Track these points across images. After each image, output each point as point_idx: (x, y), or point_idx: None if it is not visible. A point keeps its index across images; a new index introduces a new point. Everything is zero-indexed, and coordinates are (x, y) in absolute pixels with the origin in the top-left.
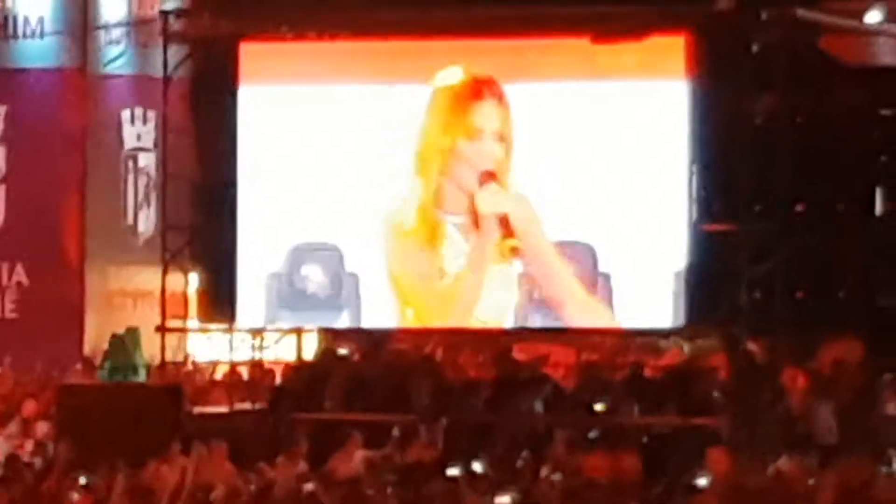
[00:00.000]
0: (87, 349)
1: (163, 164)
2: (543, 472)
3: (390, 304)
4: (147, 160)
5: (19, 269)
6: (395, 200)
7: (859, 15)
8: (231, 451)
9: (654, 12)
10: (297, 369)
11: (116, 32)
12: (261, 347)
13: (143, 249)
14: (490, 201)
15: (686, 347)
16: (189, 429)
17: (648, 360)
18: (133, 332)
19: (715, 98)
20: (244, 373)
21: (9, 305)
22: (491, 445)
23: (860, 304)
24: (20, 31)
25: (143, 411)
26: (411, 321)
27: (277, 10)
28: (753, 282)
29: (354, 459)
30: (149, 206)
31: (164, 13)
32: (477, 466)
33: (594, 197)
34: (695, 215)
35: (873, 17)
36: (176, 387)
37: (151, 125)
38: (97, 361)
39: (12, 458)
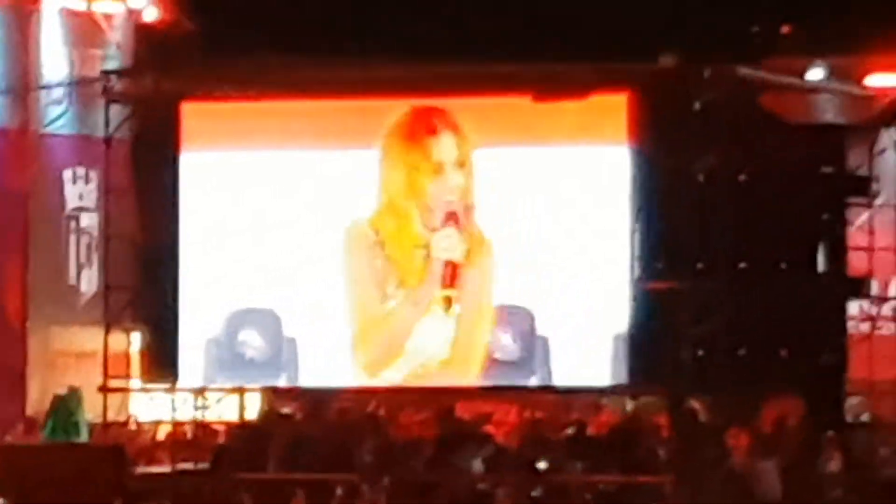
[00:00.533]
0: (29, 409)
1: (105, 224)
2: None
3: (331, 363)
4: (89, 220)
5: None
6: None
7: (801, 72)
8: None
9: (596, 70)
10: (240, 429)
11: (58, 92)
12: (203, 407)
13: (85, 309)
14: (443, 245)
15: (629, 405)
16: (132, 489)
17: (591, 418)
18: (75, 392)
19: (657, 156)
20: (187, 432)
21: None
22: None
23: (802, 362)
24: None
25: (85, 471)
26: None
27: (220, 70)
28: (696, 340)
29: None
30: (91, 266)
31: (106, 73)
32: None
33: (535, 257)
34: (637, 273)
35: (815, 74)
36: (118, 447)
37: (93, 185)
38: (40, 422)
39: None
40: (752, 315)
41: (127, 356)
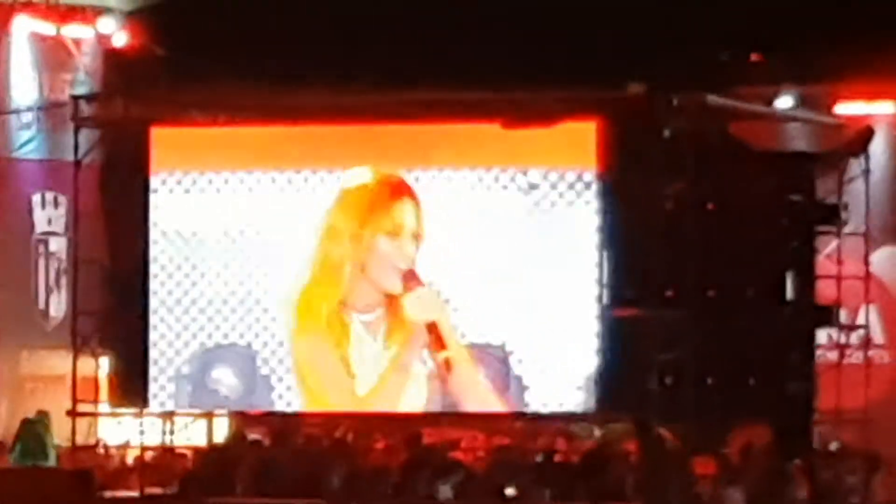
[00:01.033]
0: None
1: (74, 248)
2: None
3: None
4: (58, 245)
5: None
6: (299, 295)
7: (770, 100)
8: None
9: (565, 98)
10: (208, 454)
11: (27, 116)
12: (171, 432)
13: (53, 334)
14: (419, 306)
15: (597, 432)
16: None
17: (559, 444)
18: (44, 417)
19: (625, 183)
20: (155, 457)
21: None
22: None
23: (770, 391)
24: None
25: (53, 496)
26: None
27: (189, 95)
28: (664, 367)
29: None
30: (60, 290)
31: (75, 98)
32: None
33: (502, 284)
34: (605, 300)
35: (784, 102)
36: (87, 471)
37: (63, 209)
38: (8, 445)
39: None
40: (720, 343)
41: (95, 380)
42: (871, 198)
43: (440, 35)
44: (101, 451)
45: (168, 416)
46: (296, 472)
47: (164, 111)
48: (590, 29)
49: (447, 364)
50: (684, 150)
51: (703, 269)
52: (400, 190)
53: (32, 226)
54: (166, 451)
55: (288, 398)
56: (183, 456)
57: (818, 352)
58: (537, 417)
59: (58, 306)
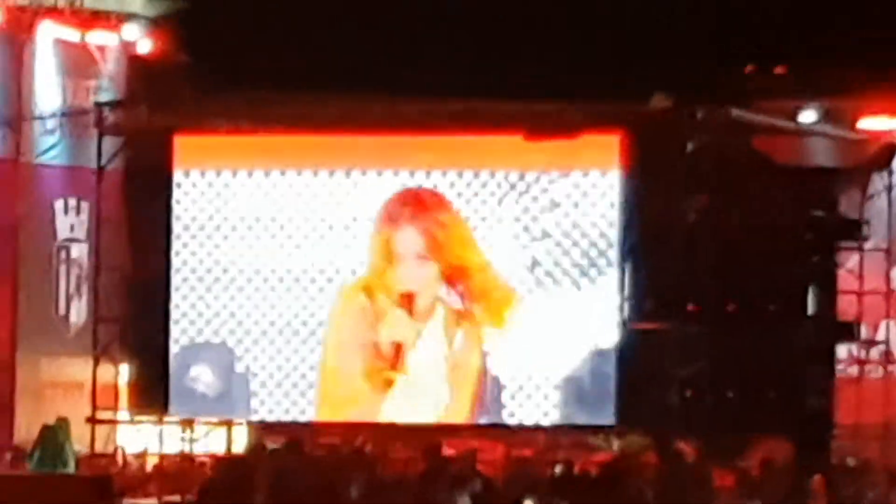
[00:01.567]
0: (16, 439)
1: (95, 255)
2: None
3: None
4: (79, 251)
5: None
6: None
7: (793, 114)
8: None
9: (589, 110)
10: (227, 462)
11: (51, 123)
12: (191, 440)
13: (74, 341)
14: (388, 327)
15: (616, 445)
16: None
17: (579, 457)
18: (63, 423)
19: (648, 196)
20: (174, 465)
21: None
22: None
23: (790, 405)
24: None
25: (72, 503)
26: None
27: (212, 103)
28: (684, 381)
29: None
30: (80, 297)
31: (99, 105)
32: None
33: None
34: (626, 314)
35: (808, 116)
36: (106, 478)
37: (84, 216)
38: (27, 452)
39: None
40: (740, 357)
41: (115, 388)
42: (894, 213)
43: (465, 47)
44: (120, 458)
45: (188, 423)
46: (315, 482)
47: (188, 119)
48: (614, 42)
49: (386, 383)
50: (707, 164)
51: (724, 284)
52: (399, 216)
53: (54, 232)
54: (185, 459)
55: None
56: (202, 464)
57: (838, 367)
58: (557, 429)
59: (78, 313)
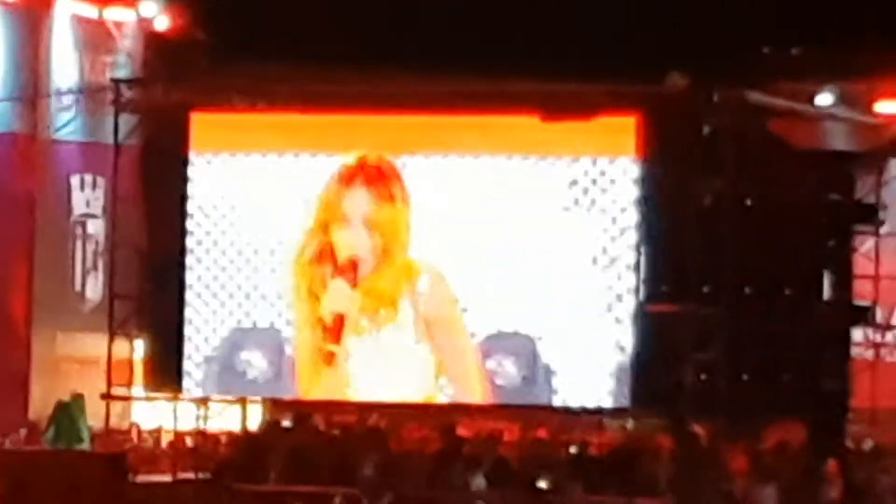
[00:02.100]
0: (31, 414)
1: (112, 231)
2: None
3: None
4: (95, 227)
5: None
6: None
7: (811, 97)
8: None
9: (606, 91)
10: (242, 440)
11: (68, 99)
12: (205, 417)
13: (89, 316)
14: (329, 298)
15: (631, 427)
16: (132, 497)
17: (593, 439)
18: (78, 399)
19: (664, 179)
20: (188, 442)
21: None
22: None
23: (805, 388)
24: None
25: (86, 479)
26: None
27: (229, 80)
28: (699, 363)
29: None
30: (96, 272)
31: (116, 81)
32: None
33: (539, 277)
34: (642, 296)
35: (824, 99)
36: (120, 455)
37: (101, 192)
38: (41, 427)
39: None
40: (755, 340)
41: (130, 364)
42: None
43: (481, 26)
44: (135, 435)
45: (202, 401)
46: (329, 461)
47: (204, 96)
48: (630, 22)
49: (328, 357)
50: (724, 146)
51: (740, 267)
52: (354, 176)
53: (70, 208)
54: (200, 437)
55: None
56: (216, 441)
57: (854, 350)
58: (571, 412)
59: (94, 289)
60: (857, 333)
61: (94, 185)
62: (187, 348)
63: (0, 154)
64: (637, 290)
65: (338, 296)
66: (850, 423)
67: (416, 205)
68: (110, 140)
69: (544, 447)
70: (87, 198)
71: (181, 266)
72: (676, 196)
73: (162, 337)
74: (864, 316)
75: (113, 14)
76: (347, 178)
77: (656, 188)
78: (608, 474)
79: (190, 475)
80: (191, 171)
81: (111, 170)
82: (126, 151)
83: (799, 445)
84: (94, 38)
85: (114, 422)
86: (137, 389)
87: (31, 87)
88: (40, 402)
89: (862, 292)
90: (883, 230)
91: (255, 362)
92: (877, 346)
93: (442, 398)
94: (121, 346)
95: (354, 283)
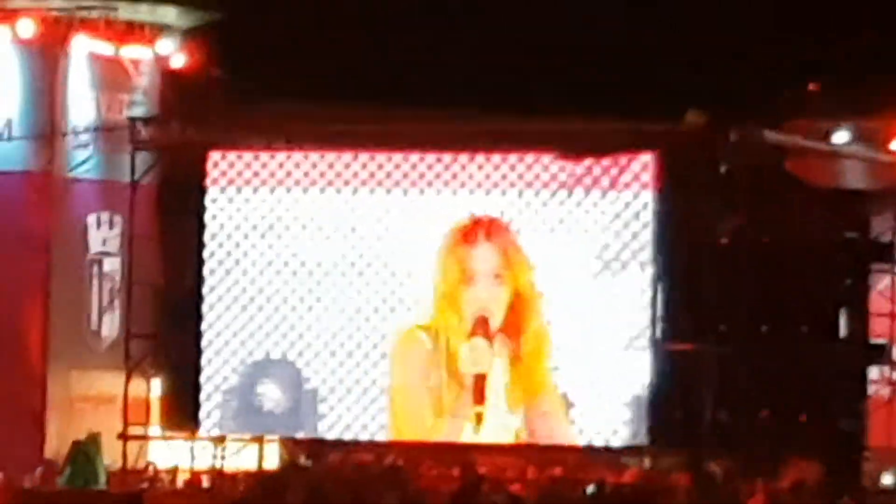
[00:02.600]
0: (48, 453)
1: (128, 269)
2: None
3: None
4: (112, 265)
5: None
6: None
7: (826, 134)
8: None
9: (624, 130)
10: (259, 479)
11: (84, 137)
12: (222, 456)
13: (106, 355)
14: (470, 358)
15: (648, 465)
16: None
17: (611, 476)
18: (95, 438)
19: (681, 216)
20: (205, 481)
21: None
22: None
23: (822, 427)
24: None
25: None
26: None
27: (246, 119)
28: (716, 401)
29: None
30: (113, 311)
31: (133, 120)
32: None
33: (558, 315)
34: (659, 334)
35: (840, 136)
36: (137, 494)
37: (117, 230)
38: (58, 466)
39: None
40: (772, 378)
41: (147, 402)
42: None
43: (499, 65)
44: (151, 474)
45: (219, 440)
46: (348, 499)
47: (221, 134)
48: (647, 61)
49: (478, 418)
50: (740, 185)
51: (757, 304)
52: (474, 233)
53: (87, 246)
54: (217, 476)
55: (330, 418)
56: (233, 480)
57: (870, 388)
58: (590, 450)
59: (110, 327)
60: (874, 371)
61: (111, 224)
62: (204, 387)
63: (16, 192)
64: (654, 328)
65: (479, 354)
66: (866, 461)
67: None
68: (127, 178)
69: (561, 486)
70: (103, 236)
71: (198, 304)
72: (693, 234)
73: (178, 375)
74: (880, 354)
75: (130, 52)
76: (469, 236)
77: (674, 226)
78: None
79: None
80: (209, 205)
81: (128, 208)
82: (142, 190)
83: (815, 484)
84: (111, 75)
85: (130, 461)
86: (154, 428)
87: (48, 125)
88: (56, 441)
89: (878, 330)
90: None
91: (270, 394)
92: (893, 384)
93: None
94: (137, 385)
95: (489, 340)
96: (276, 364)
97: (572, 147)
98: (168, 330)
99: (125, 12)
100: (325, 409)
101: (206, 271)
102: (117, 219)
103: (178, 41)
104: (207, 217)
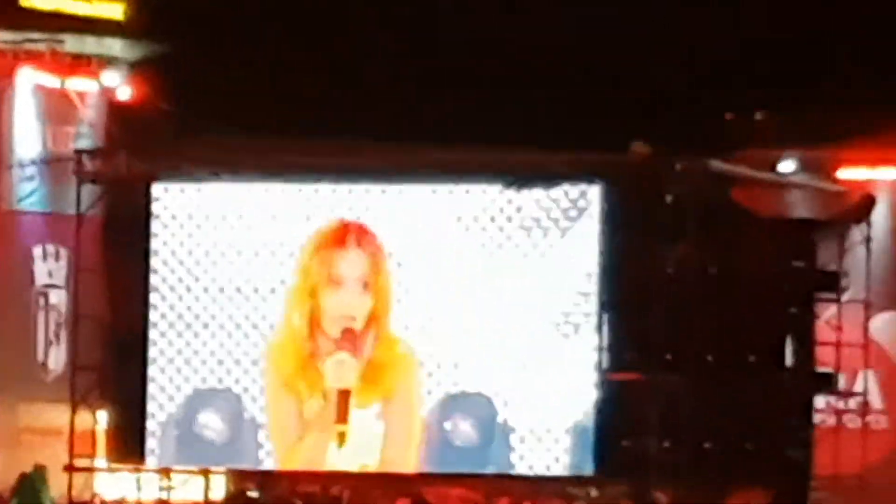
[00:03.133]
0: None
1: (74, 302)
2: None
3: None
4: (58, 297)
5: None
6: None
7: (773, 164)
8: None
9: (567, 160)
10: None
11: (30, 169)
12: (168, 488)
13: (52, 387)
14: (336, 373)
15: (595, 494)
16: None
17: None
18: (41, 471)
19: (627, 246)
20: None
21: None
22: None
23: (769, 455)
24: None
25: None
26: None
27: (191, 151)
28: (662, 431)
29: None
30: (59, 343)
31: (79, 152)
32: None
33: (502, 345)
34: (605, 364)
35: (787, 166)
36: None
37: (63, 262)
38: (5, 499)
39: None
40: (718, 408)
41: (93, 435)
42: (871, 265)
43: (444, 96)
44: None
45: (165, 472)
46: None
47: (167, 166)
48: (593, 92)
49: (340, 437)
50: (686, 214)
51: (703, 334)
52: (345, 237)
53: (33, 278)
54: None
55: (269, 446)
56: None
57: (816, 417)
58: (537, 479)
59: (57, 359)
60: (820, 400)
61: (57, 256)
62: (149, 419)
63: None
64: (600, 358)
65: (342, 371)
66: (813, 490)
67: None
68: (73, 211)
69: None
70: (49, 268)
71: (144, 336)
72: (639, 264)
73: (124, 408)
74: (826, 383)
75: (76, 84)
76: (335, 240)
77: (619, 256)
78: None
79: None
80: (153, 244)
81: (74, 240)
82: (89, 222)
83: None
84: (57, 108)
85: (76, 493)
86: (100, 461)
87: None
88: (2, 474)
89: (824, 360)
90: (845, 297)
91: (212, 424)
92: (839, 413)
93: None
94: (83, 417)
95: (354, 353)
96: (216, 393)
97: (517, 177)
98: (114, 362)
99: (71, 45)
100: (263, 438)
101: (152, 301)
102: (63, 251)
103: (125, 74)
104: (152, 252)
